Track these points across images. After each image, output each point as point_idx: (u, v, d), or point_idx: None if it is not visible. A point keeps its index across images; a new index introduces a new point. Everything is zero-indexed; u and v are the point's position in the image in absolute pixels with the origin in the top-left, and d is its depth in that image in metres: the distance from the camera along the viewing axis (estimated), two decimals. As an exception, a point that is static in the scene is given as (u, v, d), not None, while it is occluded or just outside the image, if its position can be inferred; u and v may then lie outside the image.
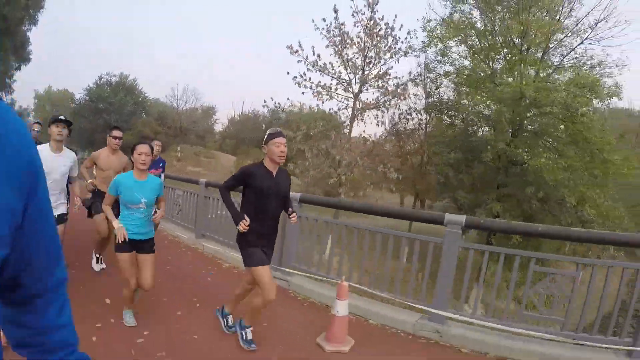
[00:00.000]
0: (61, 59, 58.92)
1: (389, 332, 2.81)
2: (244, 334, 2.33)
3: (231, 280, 3.54)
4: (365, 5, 11.85)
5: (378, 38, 11.89)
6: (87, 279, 3.18)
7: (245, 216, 2.19)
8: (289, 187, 2.37)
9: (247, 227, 2.17)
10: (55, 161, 2.65)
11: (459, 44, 10.33)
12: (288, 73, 12.22)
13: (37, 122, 4.31)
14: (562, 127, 8.99)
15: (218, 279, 3.70)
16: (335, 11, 11.95)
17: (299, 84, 11.90)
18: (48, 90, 36.57)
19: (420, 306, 2.88)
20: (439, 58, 10.46)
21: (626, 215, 9.75)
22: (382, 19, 11.83)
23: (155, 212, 2.45)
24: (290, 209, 2.37)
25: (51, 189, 2.54)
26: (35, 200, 0.48)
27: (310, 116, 14.34)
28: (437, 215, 3.08)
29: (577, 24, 10.32)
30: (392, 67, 12.38)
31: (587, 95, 8.13)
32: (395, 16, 12.15)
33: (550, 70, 10.45)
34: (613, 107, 29.87)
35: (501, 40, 10.36)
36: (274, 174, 2.26)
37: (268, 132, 2.28)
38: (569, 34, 10.47)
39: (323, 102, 12.30)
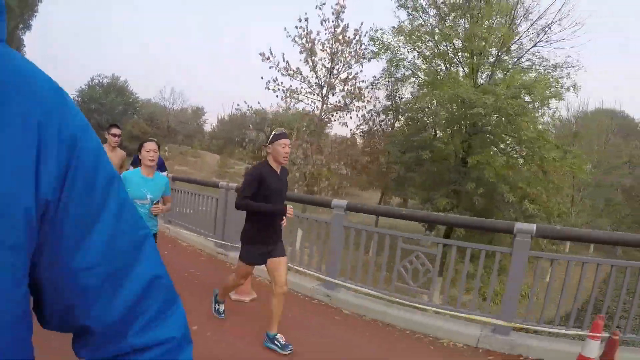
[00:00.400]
0: (54, 58, 59.98)
1: (292, 294, 3.44)
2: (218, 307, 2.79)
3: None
4: (332, 14, 13.16)
5: (344, 45, 13.17)
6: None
7: (288, 206, 2.34)
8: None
9: (292, 213, 2.35)
10: None
11: (409, 50, 11.57)
12: (262, 78, 13.46)
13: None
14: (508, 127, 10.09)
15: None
16: (306, 20, 13.22)
17: (270, 89, 13.16)
18: None
19: (318, 274, 3.71)
20: (396, 63, 11.66)
21: (582, 211, 10.85)
22: (347, 27, 13.12)
23: (157, 203, 2.50)
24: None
25: None
26: (76, 175, 0.34)
27: (298, 116, 15.54)
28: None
29: (530, 27, 11.59)
30: (361, 71, 13.65)
31: (522, 97, 9.21)
32: (362, 23, 13.45)
33: (504, 72, 11.66)
34: (598, 108, 30.97)
35: (460, 45, 11.61)
36: (279, 172, 2.36)
37: (274, 132, 2.35)
38: (523, 38, 11.76)
39: (292, 105, 13.58)
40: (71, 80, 62.58)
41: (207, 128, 35.50)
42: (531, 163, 9.99)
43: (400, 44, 11.40)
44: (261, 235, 2.35)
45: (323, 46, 13.20)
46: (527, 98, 9.83)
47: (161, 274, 0.40)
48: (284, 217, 2.42)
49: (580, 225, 13.51)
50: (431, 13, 11.33)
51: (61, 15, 65.49)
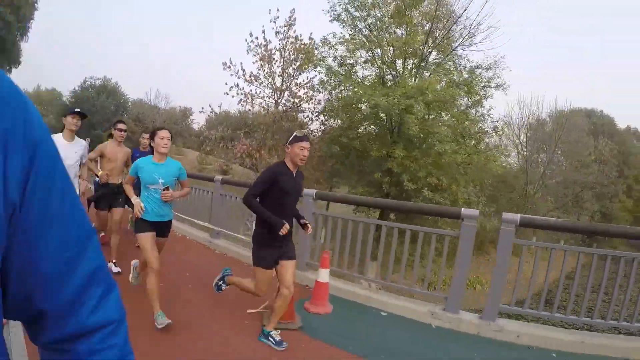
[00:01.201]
0: (49, 59, 63.59)
1: (194, 243, 5.40)
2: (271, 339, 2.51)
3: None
4: (285, 25, 15.44)
5: (296, 53, 15.46)
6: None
7: (285, 222, 2.30)
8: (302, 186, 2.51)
9: (287, 231, 2.31)
10: (69, 149, 3.00)
11: (334, 60, 13.86)
12: (226, 84, 15.88)
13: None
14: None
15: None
16: (263, 32, 15.53)
17: (231, 95, 15.57)
18: (37, 89, 40.58)
19: (210, 226, 5.41)
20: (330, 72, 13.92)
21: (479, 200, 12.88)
22: (299, 37, 15.40)
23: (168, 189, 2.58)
24: (302, 219, 2.57)
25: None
26: (37, 177, 0.38)
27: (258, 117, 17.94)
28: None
29: (447, 32, 13.73)
30: (315, 76, 15.92)
31: (419, 97, 11.18)
32: (311, 33, 15.76)
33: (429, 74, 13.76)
34: (574, 108, 32.37)
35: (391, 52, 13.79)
36: (294, 174, 2.41)
37: (295, 134, 2.40)
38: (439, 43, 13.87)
39: (249, 109, 15.98)
40: (66, 81, 66.32)
41: (196, 127, 38.05)
42: (427, 156, 11.88)
43: (334, 53, 13.70)
44: (273, 238, 2.36)
45: (281, 55, 15.56)
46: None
47: (103, 263, 0.47)
48: (308, 226, 2.50)
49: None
50: (359, 25, 13.55)
51: (56, 21, 69.30)
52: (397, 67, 13.35)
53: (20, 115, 0.37)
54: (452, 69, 13.92)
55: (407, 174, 11.50)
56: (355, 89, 11.74)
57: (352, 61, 13.88)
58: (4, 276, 0.39)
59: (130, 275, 3.03)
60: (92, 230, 0.46)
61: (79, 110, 3.15)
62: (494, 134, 14.64)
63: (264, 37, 15.29)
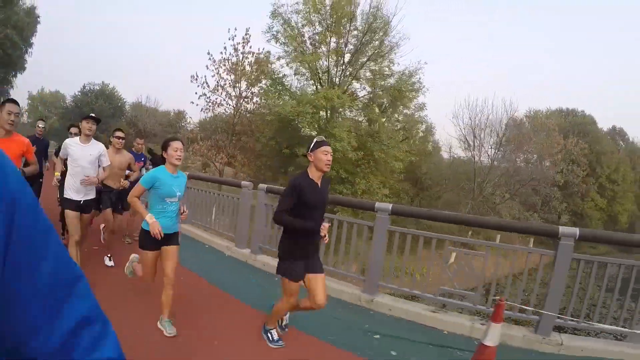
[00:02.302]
0: (52, 62, 69.56)
1: None
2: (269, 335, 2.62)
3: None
4: (241, 42, 18.66)
5: (250, 66, 18.69)
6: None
7: (324, 223, 2.38)
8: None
9: (326, 230, 2.39)
10: (84, 151, 3.27)
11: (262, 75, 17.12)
12: (196, 93, 19.26)
13: (40, 119, 4.55)
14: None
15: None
16: (224, 48, 18.81)
17: (196, 104, 19.03)
18: (41, 92, 45.28)
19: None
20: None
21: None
22: (254, 53, 18.61)
23: (183, 210, 2.68)
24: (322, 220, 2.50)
25: (79, 174, 3.24)
26: (19, 232, 0.40)
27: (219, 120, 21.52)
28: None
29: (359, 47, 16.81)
30: (267, 84, 19.13)
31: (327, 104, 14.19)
32: (263, 48, 18.99)
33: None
34: (552, 109, 34.13)
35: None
36: (319, 184, 2.40)
37: (315, 140, 2.39)
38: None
39: (209, 116, 19.38)
40: (67, 82, 72.05)
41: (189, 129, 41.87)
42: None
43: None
44: (300, 249, 2.39)
45: (242, 68, 18.84)
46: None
47: (94, 306, 0.48)
48: (325, 234, 2.41)
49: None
50: (291, 46, 16.72)
51: (57, 26, 75.42)
52: (322, 78, 16.52)
53: None
54: (372, 77, 17.07)
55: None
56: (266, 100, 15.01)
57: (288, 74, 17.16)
58: None
59: (126, 266, 3.16)
60: (79, 273, 0.48)
61: (93, 115, 3.40)
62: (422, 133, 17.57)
63: (225, 52, 18.61)
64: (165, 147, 2.60)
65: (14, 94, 25.06)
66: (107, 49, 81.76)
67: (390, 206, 3.70)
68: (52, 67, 65.85)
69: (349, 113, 17.03)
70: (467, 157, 23.36)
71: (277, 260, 2.47)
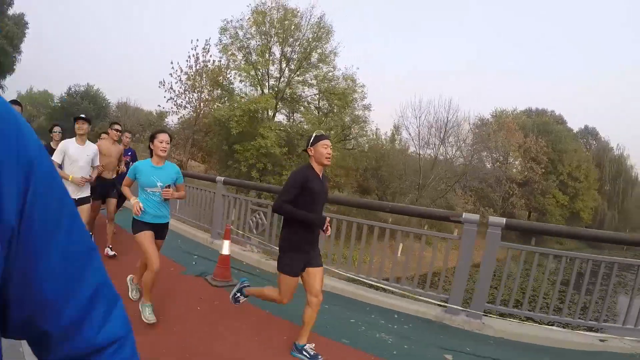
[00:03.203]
0: (40, 63, 73.89)
1: None
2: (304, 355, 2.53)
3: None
4: (202, 52, 21.71)
5: (206, 74, 21.74)
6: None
7: (325, 217, 2.41)
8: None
9: (329, 226, 2.42)
10: (81, 151, 3.56)
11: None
12: (164, 97, 22.43)
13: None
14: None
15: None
16: (189, 57, 21.88)
17: (162, 107, 22.22)
18: (30, 91, 48.77)
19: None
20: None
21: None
22: (213, 61, 21.65)
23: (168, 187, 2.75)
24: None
25: (76, 173, 3.51)
26: (35, 198, 0.40)
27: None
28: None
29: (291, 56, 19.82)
30: (225, 91, 22.19)
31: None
32: (220, 59, 22.03)
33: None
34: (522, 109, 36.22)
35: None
36: (321, 176, 2.47)
37: (314, 134, 2.48)
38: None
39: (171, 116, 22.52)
40: (55, 81, 76.23)
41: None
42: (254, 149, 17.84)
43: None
44: (303, 242, 2.42)
45: (191, 76, 21.92)
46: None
47: (106, 279, 0.48)
48: (328, 228, 2.43)
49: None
50: (239, 56, 19.77)
51: (45, 28, 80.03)
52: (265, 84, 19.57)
53: (13, 134, 0.38)
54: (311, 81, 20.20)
55: (244, 162, 17.49)
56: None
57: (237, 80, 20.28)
58: (4, 300, 0.41)
59: (129, 292, 3.10)
60: (93, 246, 0.48)
61: (83, 115, 3.60)
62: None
63: (190, 60, 21.72)
64: (152, 138, 2.76)
65: (3, 95, 27.95)
66: (96, 47, 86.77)
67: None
68: (40, 66, 70.45)
69: (279, 115, 20.23)
70: (419, 154, 26.19)
71: (279, 255, 2.47)
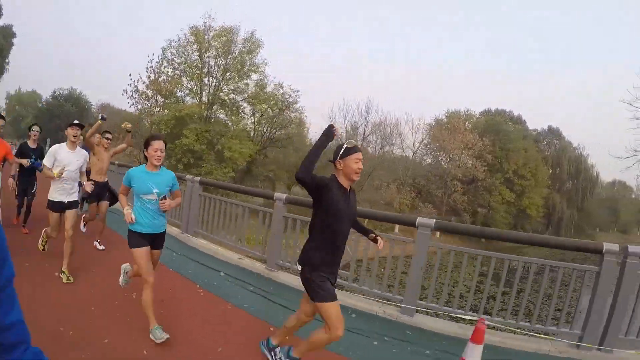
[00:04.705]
0: (29, 64, 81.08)
1: None
2: None
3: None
4: (157, 63, 27.17)
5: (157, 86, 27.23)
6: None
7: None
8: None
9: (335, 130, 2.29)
10: (72, 157, 3.76)
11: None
12: (128, 102, 27.93)
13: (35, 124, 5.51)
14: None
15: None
16: (147, 68, 27.38)
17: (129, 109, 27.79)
18: (18, 91, 54.76)
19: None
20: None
21: None
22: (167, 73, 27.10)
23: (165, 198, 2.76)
24: (372, 234, 2.45)
25: (68, 178, 3.75)
26: None
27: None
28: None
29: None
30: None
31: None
32: (174, 69, 27.45)
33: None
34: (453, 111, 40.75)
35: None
36: (349, 194, 2.30)
37: (345, 145, 2.29)
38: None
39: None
40: (43, 82, 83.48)
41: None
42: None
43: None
44: (329, 264, 2.27)
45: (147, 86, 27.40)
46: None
47: (19, 319, 0.60)
48: (379, 239, 2.37)
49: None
50: (177, 71, 25.25)
51: (32, 32, 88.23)
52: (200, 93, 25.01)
53: None
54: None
55: (174, 157, 22.82)
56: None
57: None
58: None
59: (120, 278, 3.21)
60: (9, 277, 0.57)
61: (77, 122, 3.85)
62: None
63: (148, 71, 27.19)
64: (146, 145, 2.73)
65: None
66: (80, 49, 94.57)
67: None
68: (29, 68, 77.74)
69: (222, 116, 25.53)
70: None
71: (303, 281, 2.27)
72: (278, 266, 4.86)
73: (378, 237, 2.42)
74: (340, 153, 2.28)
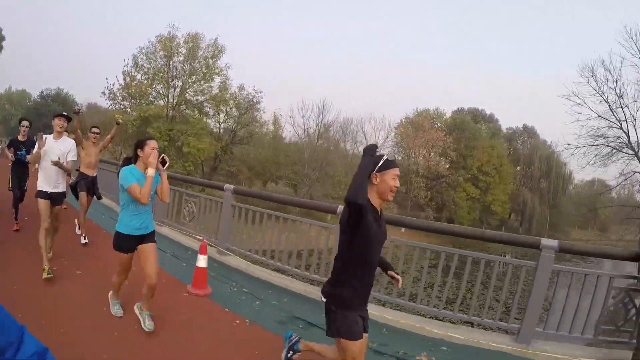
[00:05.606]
0: (18, 63, 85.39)
1: None
2: None
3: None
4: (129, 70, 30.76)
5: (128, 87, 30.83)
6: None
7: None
8: None
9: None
10: (55, 145, 3.97)
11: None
12: (107, 103, 31.63)
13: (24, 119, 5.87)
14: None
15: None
16: (123, 72, 31.02)
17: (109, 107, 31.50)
18: (8, 90, 58.18)
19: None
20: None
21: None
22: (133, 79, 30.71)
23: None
24: (392, 271, 2.26)
25: (47, 167, 3.91)
26: None
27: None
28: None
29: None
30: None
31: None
32: (145, 74, 31.08)
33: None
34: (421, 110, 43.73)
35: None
36: (379, 213, 2.10)
37: (384, 158, 2.04)
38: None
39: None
40: (32, 80, 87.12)
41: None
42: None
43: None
44: (360, 297, 2.11)
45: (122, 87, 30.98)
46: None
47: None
48: (399, 279, 2.21)
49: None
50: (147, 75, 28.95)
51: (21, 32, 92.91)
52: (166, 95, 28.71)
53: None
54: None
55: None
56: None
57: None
58: None
59: (112, 309, 3.19)
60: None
61: (64, 113, 4.13)
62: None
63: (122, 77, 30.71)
64: (141, 145, 2.85)
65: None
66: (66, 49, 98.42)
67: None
68: (18, 66, 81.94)
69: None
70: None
71: (328, 315, 2.08)
72: (228, 250, 5.48)
73: (397, 277, 2.22)
74: (380, 165, 2.02)
